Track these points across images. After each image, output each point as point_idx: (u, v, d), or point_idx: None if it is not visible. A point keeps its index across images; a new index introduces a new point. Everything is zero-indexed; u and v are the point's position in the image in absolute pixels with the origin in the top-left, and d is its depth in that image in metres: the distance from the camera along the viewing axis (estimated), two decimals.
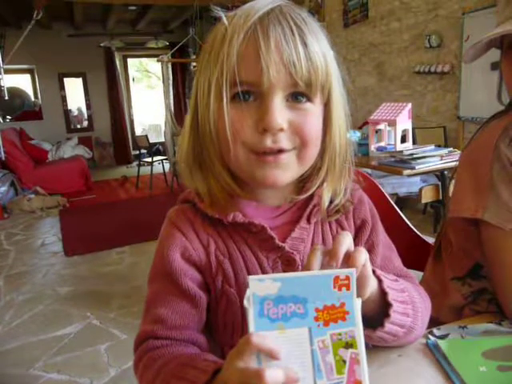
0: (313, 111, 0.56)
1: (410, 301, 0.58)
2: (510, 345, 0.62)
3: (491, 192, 0.71)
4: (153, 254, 0.64)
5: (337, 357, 0.42)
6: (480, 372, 0.57)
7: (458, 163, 0.84)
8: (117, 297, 2.74)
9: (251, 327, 0.42)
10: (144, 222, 4.24)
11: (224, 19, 0.55)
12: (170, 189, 5.76)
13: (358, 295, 0.44)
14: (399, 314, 0.55)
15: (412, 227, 1.02)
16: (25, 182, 5.66)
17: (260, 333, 0.41)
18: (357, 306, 0.43)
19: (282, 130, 0.53)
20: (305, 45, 0.52)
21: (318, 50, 0.54)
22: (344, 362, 0.42)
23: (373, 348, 0.60)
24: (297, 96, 0.54)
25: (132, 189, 6.17)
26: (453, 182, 0.85)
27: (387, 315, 0.54)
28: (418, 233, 1.01)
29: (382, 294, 0.54)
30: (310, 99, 0.55)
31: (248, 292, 0.42)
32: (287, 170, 0.56)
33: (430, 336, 0.65)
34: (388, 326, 0.54)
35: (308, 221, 0.63)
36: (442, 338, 0.66)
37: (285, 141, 0.54)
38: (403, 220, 1.02)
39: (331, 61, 0.57)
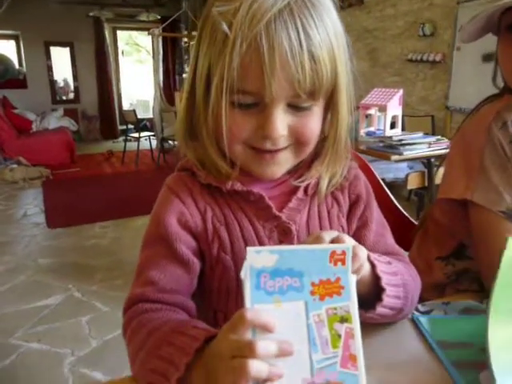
0: (313, 113, 0.56)
1: (402, 283, 0.59)
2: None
3: (481, 174, 0.73)
4: (137, 230, 0.65)
5: (332, 331, 0.42)
6: (463, 350, 0.58)
7: (450, 145, 0.85)
8: (99, 270, 2.73)
9: (247, 300, 0.41)
10: (129, 197, 4.22)
11: (225, 27, 0.50)
12: (157, 165, 5.71)
13: (353, 271, 0.44)
14: (391, 298, 0.56)
15: (400, 207, 1.03)
16: (7, 151, 5.54)
17: (255, 307, 0.41)
18: (352, 281, 0.43)
19: (282, 136, 0.54)
20: (312, 58, 0.50)
21: (326, 55, 0.51)
22: (339, 336, 0.42)
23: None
24: (300, 104, 0.54)
25: (117, 164, 6.09)
26: (440, 169, 0.86)
27: (380, 299, 0.55)
28: (405, 213, 1.03)
29: (376, 278, 0.54)
30: (311, 104, 0.55)
31: (245, 263, 0.42)
32: (284, 165, 0.59)
33: (415, 311, 0.67)
34: (379, 309, 0.55)
35: (305, 192, 0.64)
36: (426, 313, 0.67)
37: (283, 142, 0.55)
38: (391, 200, 1.03)
39: (340, 50, 0.54)
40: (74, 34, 7.56)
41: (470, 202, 0.74)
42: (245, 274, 0.42)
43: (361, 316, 0.54)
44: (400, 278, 0.59)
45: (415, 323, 0.64)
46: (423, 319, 0.65)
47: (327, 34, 0.52)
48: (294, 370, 0.41)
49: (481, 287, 0.79)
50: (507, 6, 0.72)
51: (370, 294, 0.55)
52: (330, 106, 0.58)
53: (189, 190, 0.62)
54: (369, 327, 0.61)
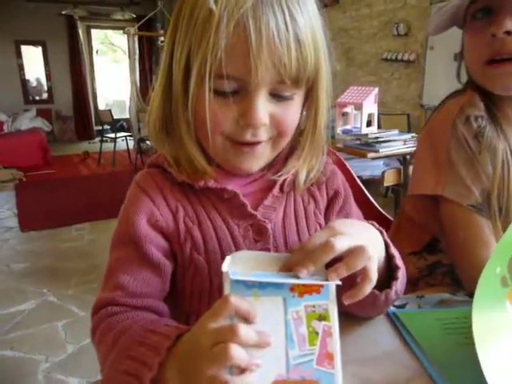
0: (294, 102, 0.55)
1: (402, 267, 0.57)
2: (465, 316, 0.64)
3: (450, 169, 0.74)
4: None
5: (310, 328, 0.42)
6: (438, 342, 0.58)
7: (417, 142, 0.86)
8: (75, 274, 2.68)
9: (226, 291, 0.41)
10: (106, 199, 4.15)
11: (211, 3, 0.48)
12: (134, 166, 5.63)
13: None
14: (400, 282, 0.55)
15: (376, 205, 1.04)
16: None
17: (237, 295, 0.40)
18: (331, 283, 0.43)
19: (264, 125, 0.53)
20: (298, 41, 0.50)
21: (310, 40, 0.51)
22: (317, 333, 0.41)
23: None
24: (282, 92, 0.53)
25: (94, 165, 6.00)
26: (411, 166, 0.87)
27: (395, 278, 0.54)
28: (381, 210, 1.04)
29: (388, 257, 0.54)
30: (293, 93, 0.54)
31: (226, 258, 0.44)
32: (261, 159, 0.58)
33: None
34: (392, 291, 0.54)
35: (281, 189, 0.63)
36: (400, 307, 0.68)
37: (263, 134, 0.54)
38: (368, 198, 1.03)
39: (321, 37, 0.54)
40: (46, 32, 7.40)
41: (441, 197, 0.75)
42: (226, 266, 0.42)
43: (371, 299, 0.52)
44: (401, 261, 0.57)
45: (390, 318, 0.64)
46: (398, 313, 0.65)
47: (310, 18, 0.52)
48: (269, 365, 0.40)
49: (453, 280, 0.80)
50: None
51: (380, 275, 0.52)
52: (310, 97, 0.58)
53: (159, 188, 0.60)
54: (344, 323, 0.60)
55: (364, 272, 0.45)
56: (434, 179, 0.75)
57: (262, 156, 0.58)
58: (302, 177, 0.63)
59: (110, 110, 5.90)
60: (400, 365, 0.54)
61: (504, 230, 0.71)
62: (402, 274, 0.55)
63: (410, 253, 0.87)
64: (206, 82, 0.50)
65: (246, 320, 0.40)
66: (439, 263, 0.84)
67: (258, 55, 0.48)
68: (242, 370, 0.38)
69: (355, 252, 0.45)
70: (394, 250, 0.54)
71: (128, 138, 6.08)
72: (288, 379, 0.41)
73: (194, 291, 0.62)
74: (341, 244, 0.44)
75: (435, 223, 0.81)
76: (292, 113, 0.56)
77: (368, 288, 0.46)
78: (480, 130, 0.73)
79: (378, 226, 0.56)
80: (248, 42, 0.47)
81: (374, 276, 0.46)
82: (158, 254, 0.58)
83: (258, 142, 0.55)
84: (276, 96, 0.53)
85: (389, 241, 0.53)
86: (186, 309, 0.63)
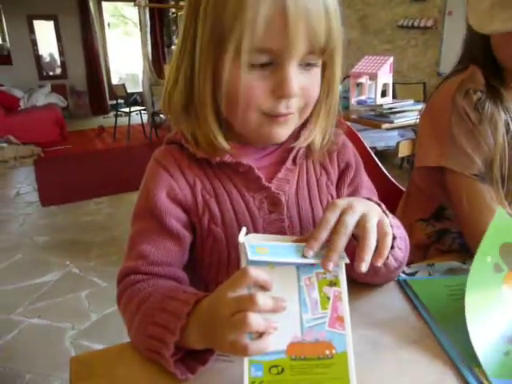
0: (318, 71, 0.57)
1: (404, 237, 0.61)
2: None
3: (452, 142, 0.76)
4: (132, 205, 0.64)
5: (321, 293, 0.45)
6: (445, 306, 0.61)
7: (420, 116, 0.87)
8: (96, 246, 2.76)
9: (244, 262, 0.44)
10: (122, 173, 4.22)
11: None
12: (149, 140, 5.67)
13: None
14: (398, 249, 0.57)
15: (388, 175, 1.05)
16: None
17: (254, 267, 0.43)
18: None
19: (296, 95, 0.54)
20: (327, 12, 0.51)
21: (335, 11, 0.52)
22: (328, 298, 0.45)
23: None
24: (309, 61, 0.54)
25: (109, 139, 6.04)
26: None
27: (391, 247, 0.55)
28: (393, 181, 1.05)
29: None
30: (317, 61, 0.55)
31: (243, 229, 0.46)
32: (291, 127, 0.60)
33: (401, 273, 0.69)
34: (390, 258, 0.56)
35: (294, 162, 0.65)
36: (411, 275, 0.70)
37: (295, 104, 0.56)
38: (380, 168, 1.05)
39: (339, 8, 0.55)
40: (57, 6, 7.33)
41: (445, 168, 0.77)
42: (242, 238, 0.45)
43: (369, 272, 0.54)
44: (402, 231, 0.60)
45: (401, 285, 0.67)
46: (408, 281, 0.67)
47: None
48: (285, 328, 0.44)
49: (461, 246, 0.83)
50: None
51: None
52: (328, 66, 0.58)
53: (177, 163, 0.63)
54: (356, 290, 0.64)
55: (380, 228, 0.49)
56: (438, 152, 0.78)
57: (291, 125, 0.59)
58: (318, 142, 0.65)
59: (123, 84, 5.90)
60: (408, 327, 0.57)
61: (507, 198, 0.75)
62: (402, 242, 0.58)
63: (419, 219, 0.91)
64: (243, 56, 0.50)
65: (263, 288, 0.43)
66: (447, 230, 0.88)
67: (296, 27, 0.49)
68: (261, 335, 0.42)
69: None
70: (391, 220, 0.55)
71: (142, 111, 6.09)
72: (303, 341, 0.44)
73: (212, 261, 0.65)
74: (353, 220, 0.48)
75: (441, 192, 0.84)
76: (316, 81, 0.57)
77: (390, 240, 0.49)
78: (480, 101, 0.75)
79: (376, 199, 0.58)
80: (286, 15, 0.48)
81: (389, 229, 0.50)
82: (177, 226, 0.61)
83: (291, 113, 0.57)
84: (303, 66, 0.54)
85: (387, 211, 0.55)
86: (205, 277, 0.67)
